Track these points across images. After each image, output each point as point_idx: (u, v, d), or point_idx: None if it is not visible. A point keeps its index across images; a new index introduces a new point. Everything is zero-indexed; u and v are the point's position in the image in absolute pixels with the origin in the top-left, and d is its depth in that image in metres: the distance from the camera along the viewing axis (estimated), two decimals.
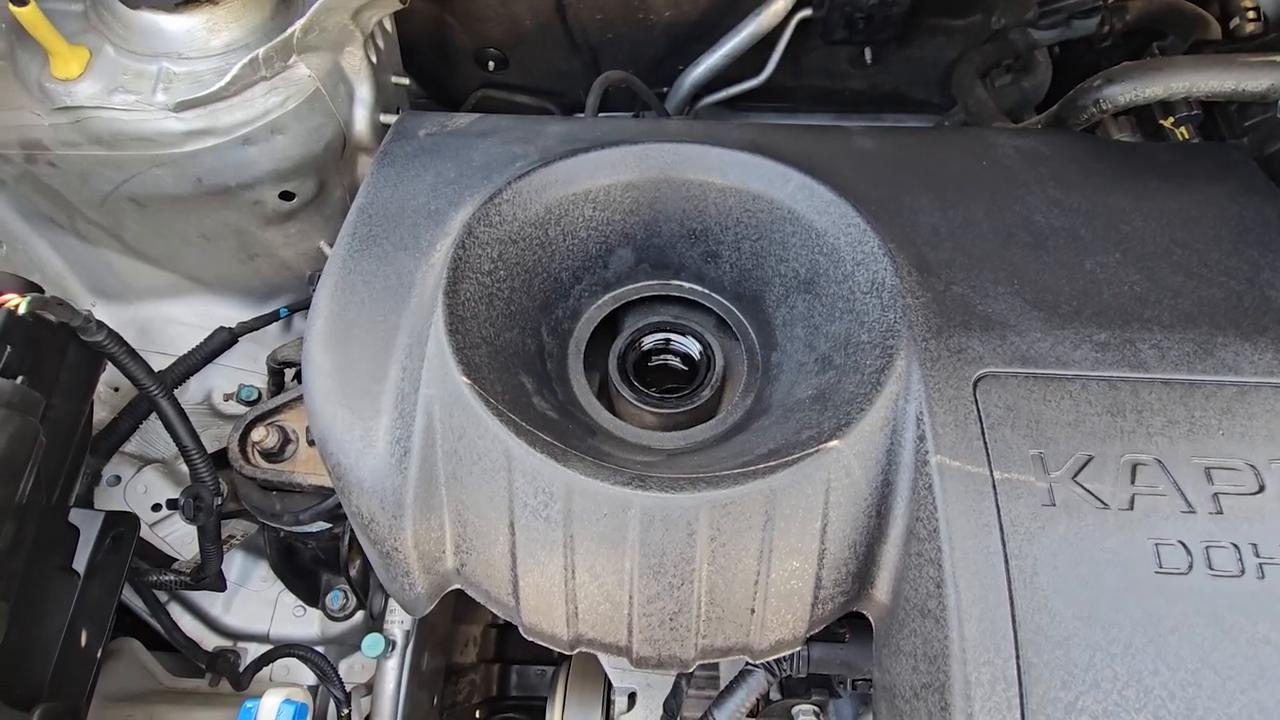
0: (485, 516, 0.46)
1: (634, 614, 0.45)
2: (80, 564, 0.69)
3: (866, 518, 0.46)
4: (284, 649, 0.93)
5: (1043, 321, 0.51)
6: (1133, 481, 0.44)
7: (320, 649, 1.05)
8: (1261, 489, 0.44)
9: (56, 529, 0.67)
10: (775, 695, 0.68)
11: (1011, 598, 0.41)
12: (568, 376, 0.64)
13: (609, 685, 0.84)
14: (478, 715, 1.38)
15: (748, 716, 0.71)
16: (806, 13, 1.14)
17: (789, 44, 1.24)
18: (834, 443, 0.45)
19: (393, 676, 0.97)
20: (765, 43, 1.20)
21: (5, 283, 0.64)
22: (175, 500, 0.93)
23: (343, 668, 1.09)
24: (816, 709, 0.63)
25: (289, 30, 0.82)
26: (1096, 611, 0.41)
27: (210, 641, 1.01)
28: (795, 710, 0.64)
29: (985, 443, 0.45)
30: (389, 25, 0.98)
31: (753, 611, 0.45)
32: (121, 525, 0.73)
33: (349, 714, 0.88)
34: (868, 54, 1.32)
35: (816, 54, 1.32)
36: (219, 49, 0.83)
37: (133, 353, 0.72)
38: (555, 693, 0.89)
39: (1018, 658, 0.40)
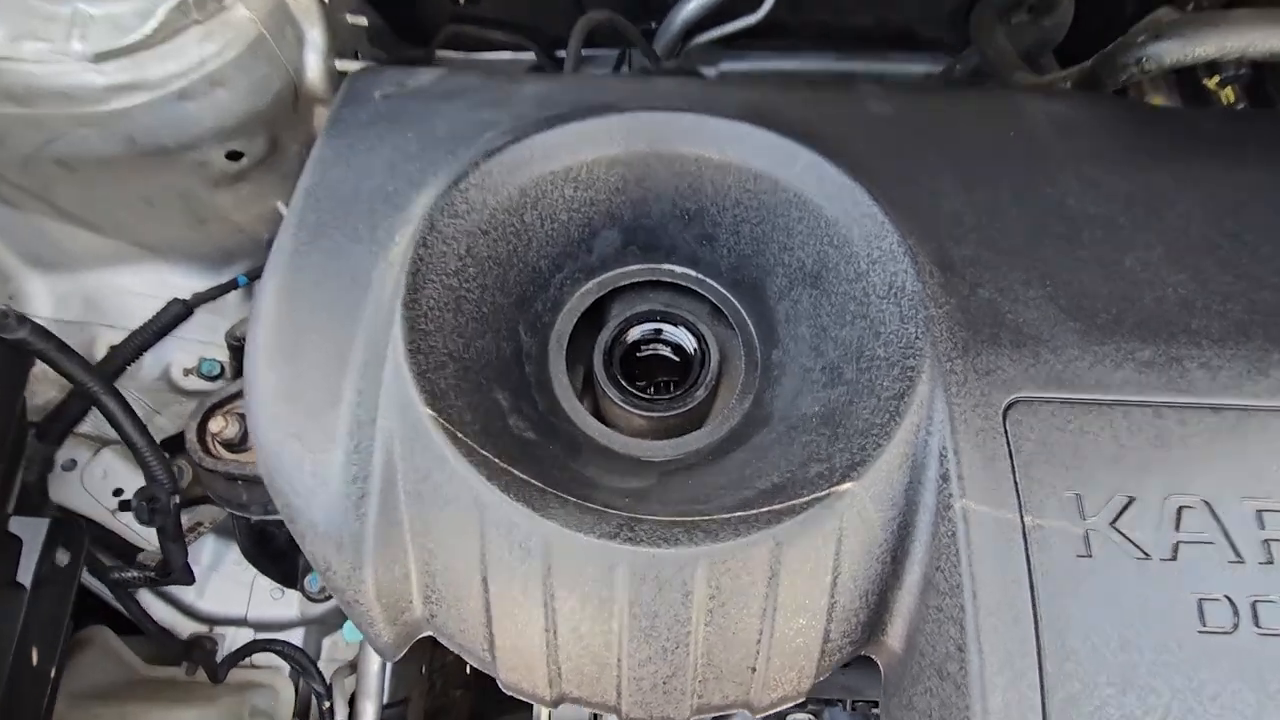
0: (455, 568, 0.41)
1: (623, 677, 0.41)
2: (26, 576, 0.64)
3: (880, 564, 0.42)
4: (261, 643, 0.90)
5: (1080, 334, 0.45)
6: (1177, 527, 0.40)
7: (301, 630, 1.03)
8: None
9: None
10: None
11: (1041, 664, 0.37)
12: (549, 378, 0.58)
13: None
14: (468, 670, 1.39)
15: None
16: None
17: None
18: (847, 485, 0.40)
19: (376, 656, 0.96)
20: None
21: None
22: (128, 501, 0.87)
23: (325, 645, 1.07)
24: (812, 716, 0.61)
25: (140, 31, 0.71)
26: (1134, 677, 0.37)
27: (185, 627, 0.99)
28: (791, 719, 0.62)
29: (1016, 483, 0.40)
30: None
31: (753, 670, 0.41)
32: (70, 532, 0.68)
33: (330, 706, 0.86)
34: None
35: None
36: None
37: (63, 347, 0.65)
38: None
39: None
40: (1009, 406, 0.42)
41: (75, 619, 0.73)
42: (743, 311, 0.62)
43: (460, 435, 0.41)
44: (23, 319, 0.60)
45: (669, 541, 0.39)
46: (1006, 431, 0.41)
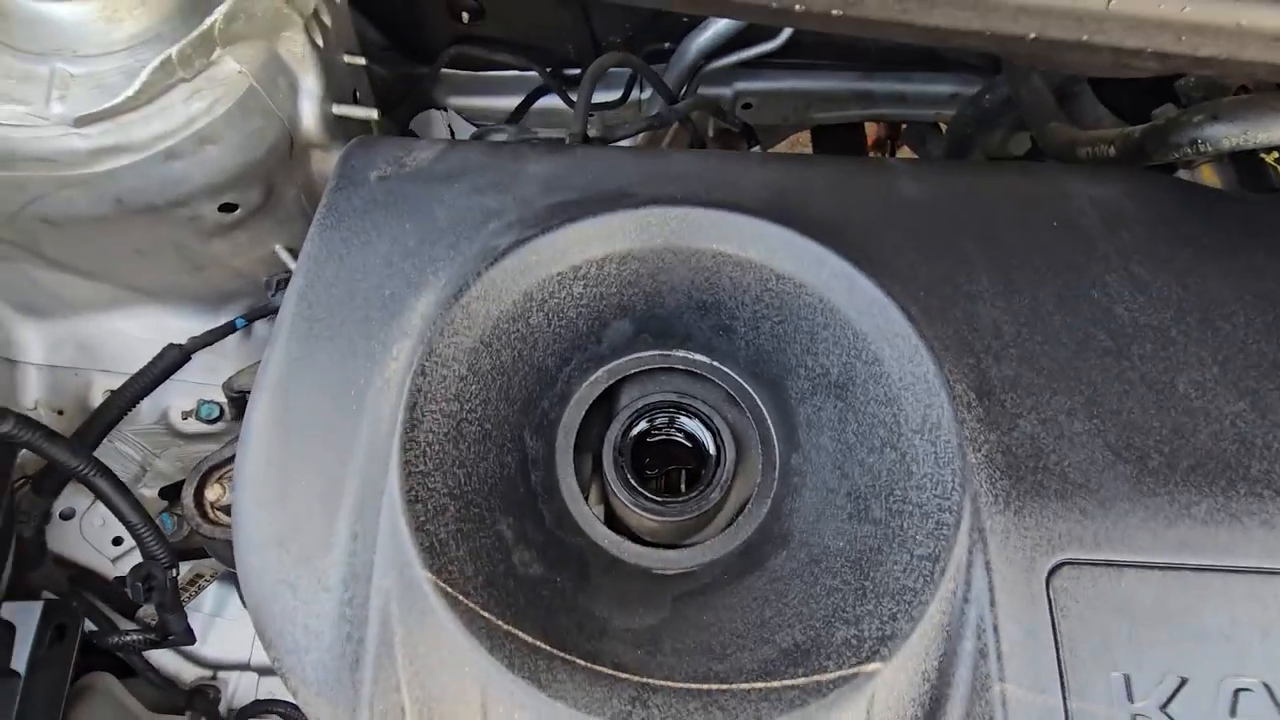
0: None
1: None
2: (20, 663, 0.62)
3: None
4: (265, 704, 0.89)
5: (1131, 483, 0.42)
6: (1233, 713, 0.37)
7: None
8: None
9: None
10: None
11: None
12: (556, 483, 0.55)
13: None
14: None
15: None
16: None
17: None
18: (877, 665, 0.38)
19: None
20: None
21: None
22: (123, 578, 0.86)
23: None
24: None
25: (208, 21, 0.67)
26: None
27: (190, 673, 0.98)
28: None
29: (1060, 661, 0.37)
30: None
31: None
32: (63, 615, 0.66)
33: None
34: None
35: None
36: (123, 43, 0.68)
37: (51, 435, 0.62)
38: None
39: None
40: (1053, 570, 0.39)
41: (77, 664, 0.71)
42: (760, 404, 0.59)
43: (461, 599, 0.38)
44: (5, 413, 0.58)
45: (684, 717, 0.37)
46: (1051, 601, 0.38)
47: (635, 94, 1.20)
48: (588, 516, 0.55)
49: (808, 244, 0.50)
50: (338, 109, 0.82)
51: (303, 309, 0.50)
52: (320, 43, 0.78)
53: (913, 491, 0.43)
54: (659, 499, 0.56)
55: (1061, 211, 0.57)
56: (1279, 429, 0.45)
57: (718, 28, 1.06)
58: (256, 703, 0.88)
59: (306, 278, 0.52)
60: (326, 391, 0.47)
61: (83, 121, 0.66)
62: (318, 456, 0.45)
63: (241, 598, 0.94)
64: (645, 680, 0.39)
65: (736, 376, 0.60)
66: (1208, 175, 0.68)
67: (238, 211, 0.81)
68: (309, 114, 0.80)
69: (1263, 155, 0.64)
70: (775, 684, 0.38)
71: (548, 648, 0.39)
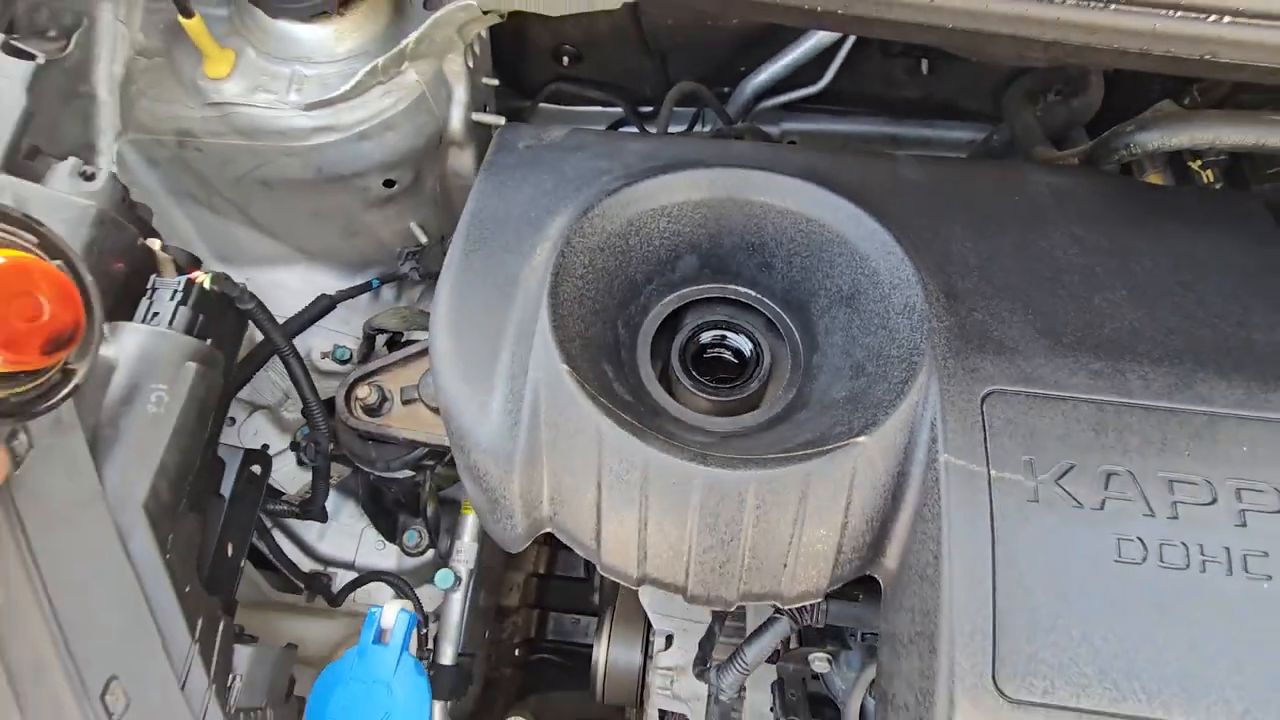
0: (577, 477, 0.58)
1: (691, 561, 0.57)
2: (226, 490, 0.84)
3: (883, 500, 0.57)
4: (376, 574, 1.08)
5: (1047, 349, 0.60)
6: (1105, 487, 0.54)
7: None
8: (1214, 501, 0.53)
9: (209, 461, 0.82)
10: (795, 645, 0.80)
11: (994, 570, 0.52)
12: (636, 365, 0.76)
13: (649, 627, 0.97)
14: (516, 653, 1.54)
15: (770, 662, 0.83)
16: None
17: (851, 54, 1.30)
18: (861, 438, 0.56)
19: (457, 607, 1.13)
20: (825, 52, 1.27)
21: (181, 258, 0.78)
22: (297, 443, 1.08)
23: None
24: (829, 656, 0.75)
25: (404, 42, 0.93)
26: (1062, 587, 0.51)
27: (305, 565, 1.18)
28: (812, 657, 0.76)
29: (986, 447, 0.55)
30: (484, 34, 1.09)
31: (785, 566, 0.57)
32: (258, 460, 0.88)
33: (427, 633, 1.03)
34: (924, 65, 1.37)
35: (874, 63, 1.37)
36: (343, 55, 0.95)
37: (273, 320, 0.86)
38: (602, 631, 1.02)
39: (994, 617, 0.51)
40: (986, 395, 0.58)
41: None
42: (791, 325, 0.79)
43: (585, 386, 0.59)
44: (252, 295, 0.82)
45: (731, 466, 0.56)
46: (983, 412, 0.57)
47: (698, 128, 1.45)
48: (659, 390, 0.75)
49: (828, 195, 0.71)
50: (476, 116, 1.08)
51: (474, 223, 0.73)
52: (471, 65, 1.05)
53: (894, 350, 0.62)
54: (713, 383, 0.75)
55: (1024, 191, 0.77)
56: (1163, 329, 0.62)
57: (771, 72, 1.30)
58: (371, 573, 1.08)
59: (475, 204, 0.75)
60: (491, 270, 0.69)
61: (311, 107, 0.92)
62: (486, 309, 0.66)
63: (359, 501, 1.16)
64: (704, 451, 0.58)
65: (773, 304, 0.80)
66: (1153, 179, 0.87)
67: (394, 188, 1.07)
68: (456, 117, 1.06)
69: (1189, 163, 0.83)
70: (792, 454, 0.57)
71: (639, 425, 0.59)
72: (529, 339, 0.63)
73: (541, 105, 1.48)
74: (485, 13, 0.95)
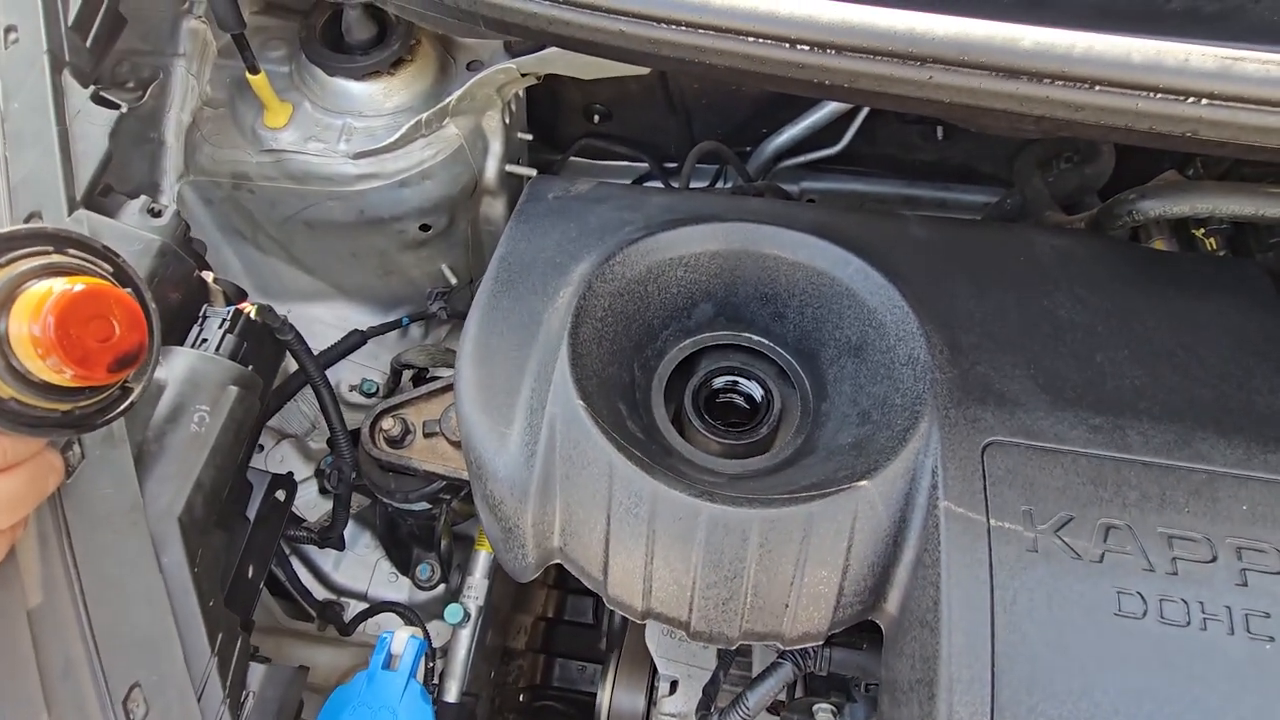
0: (588, 509, 0.61)
1: (695, 596, 0.58)
2: (250, 513, 0.87)
3: (884, 544, 0.58)
4: (388, 605, 1.10)
5: (1048, 403, 0.62)
6: (1105, 540, 0.55)
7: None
8: (1214, 559, 0.54)
9: (239, 483, 0.86)
10: (800, 694, 0.80)
11: (993, 619, 0.52)
12: (650, 406, 0.78)
13: (654, 672, 0.97)
14: (521, 698, 1.52)
15: (774, 713, 0.83)
16: None
17: (868, 118, 1.36)
18: (863, 482, 0.58)
19: (464, 644, 1.13)
20: (842, 116, 1.33)
21: (230, 290, 0.84)
22: (322, 470, 1.12)
23: None
24: (834, 708, 0.75)
25: (447, 100, 1.01)
26: (1061, 638, 0.52)
27: (320, 593, 1.20)
28: (816, 708, 0.75)
29: (986, 496, 0.56)
30: (521, 93, 1.17)
31: (787, 606, 0.58)
32: (283, 486, 0.91)
33: (433, 667, 1.04)
34: (939, 131, 1.43)
35: (892, 128, 1.43)
36: (390, 110, 1.03)
37: (309, 351, 0.91)
38: (606, 676, 1.02)
39: (993, 665, 0.51)
40: (986, 445, 0.59)
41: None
42: (802, 373, 0.81)
43: (599, 421, 0.62)
44: (290, 326, 0.87)
45: (737, 504, 0.58)
46: (983, 462, 0.58)
47: (720, 184, 1.51)
48: (671, 431, 0.78)
49: (838, 250, 0.75)
50: (509, 168, 1.14)
51: (503, 266, 0.78)
52: (507, 121, 1.12)
53: (898, 398, 0.64)
54: (724, 427, 0.78)
55: (1028, 252, 0.79)
56: (1164, 388, 0.64)
57: (791, 134, 1.37)
58: (382, 604, 1.09)
59: (505, 249, 0.80)
60: (517, 310, 0.73)
61: (358, 155, 0.99)
62: (510, 346, 0.70)
63: (375, 532, 1.18)
64: (711, 490, 0.60)
65: (785, 353, 0.83)
66: (1158, 245, 0.90)
67: (430, 231, 1.13)
68: (491, 169, 1.12)
69: (1194, 231, 0.86)
70: (796, 494, 0.59)
71: (650, 461, 0.61)
72: (549, 376, 0.66)
73: (572, 159, 1.56)
74: (523, 75, 1.03)
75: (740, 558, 0.57)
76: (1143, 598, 0.53)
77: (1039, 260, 0.78)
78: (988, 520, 0.55)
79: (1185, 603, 0.52)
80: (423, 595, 1.23)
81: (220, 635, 0.61)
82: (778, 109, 1.42)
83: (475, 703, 1.16)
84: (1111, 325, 0.70)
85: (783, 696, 0.80)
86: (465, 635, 1.14)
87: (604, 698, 0.97)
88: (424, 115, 0.99)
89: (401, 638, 0.70)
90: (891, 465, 0.58)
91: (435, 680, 1.04)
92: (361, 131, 1.02)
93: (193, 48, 1.04)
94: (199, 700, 0.56)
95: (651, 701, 0.94)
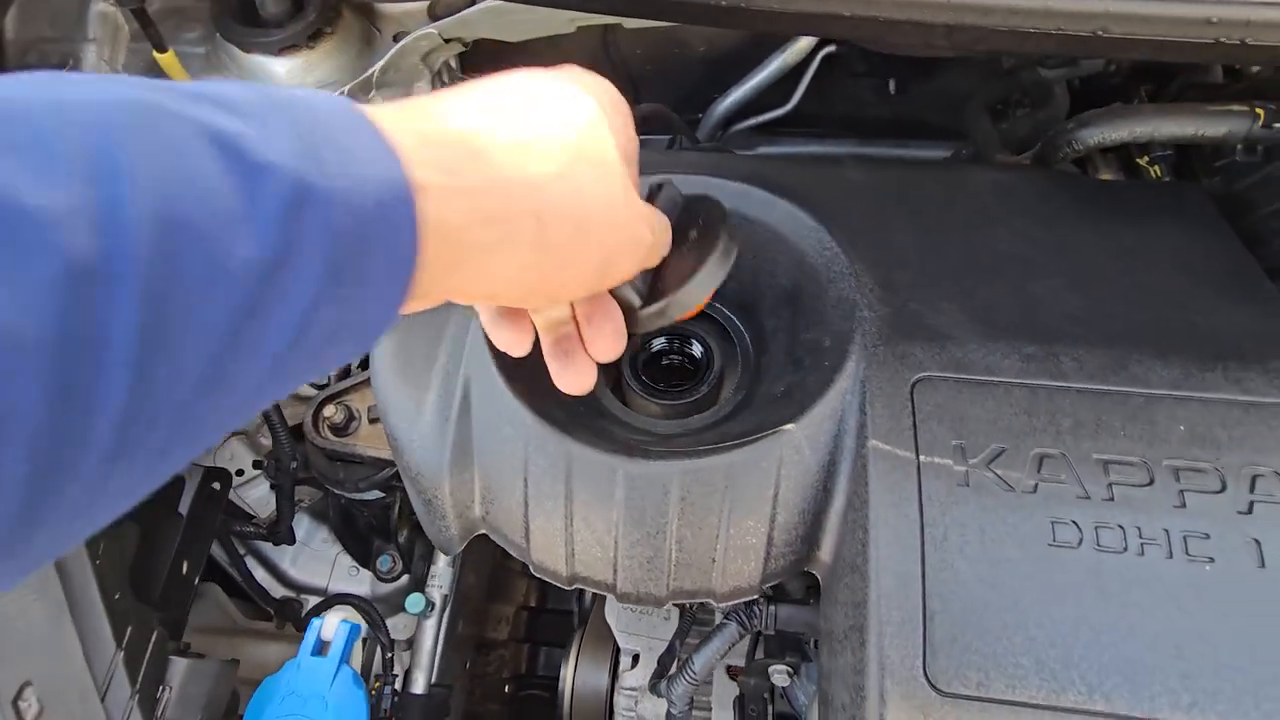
0: (505, 474, 0.58)
1: (618, 557, 0.56)
2: (184, 508, 0.84)
3: (814, 490, 0.56)
4: (340, 597, 1.07)
5: (981, 335, 0.59)
6: (1038, 470, 0.52)
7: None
8: (1151, 482, 0.51)
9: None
10: (758, 657, 0.78)
11: (923, 558, 0.50)
12: None
13: (617, 649, 0.95)
14: (506, 689, 1.50)
15: (734, 677, 0.81)
16: (830, 48, 1.23)
17: (815, 76, 1.33)
18: (788, 426, 0.55)
19: (430, 634, 1.11)
20: (792, 74, 1.30)
21: None
22: (260, 461, 1.09)
23: (390, 625, 1.23)
24: (790, 669, 0.73)
25: (369, 70, 0.97)
26: (995, 573, 0.49)
27: (277, 591, 1.17)
28: (772, 670, 0.73)
29: (915, 433, 0.54)
30: (454, 63, 1.13)
31: (714, 560, 0.55)
32: (217, 479, 0.88)
33: (392, 657, 1.01)
34: (891, 85, 1.40)
35: (844, 84, 1.40)
36: (312, 84, 0.99)
37: None
38: (569, 654, 1.00)
39: (924, 606, 0.49)
40: (916, 381, 0.57)
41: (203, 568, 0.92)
42: (742, 328, 0.79)
43: (511, 381, 0.59)
44: None
45: (656, 458, 0.55)
46: (913, 398, 0.56)
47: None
48: (608, 396, 0.75)
49: (766, 194, 0.72)
50: None
51: None
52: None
53: (828, 341, 0.62)
54: (661, 388, 0.75)
55: (967, 189, 0.77)
56: (1100, 314, 0.62)
57: (737, 95, 1.33)
58: (336, 595, 1.06)
59: None
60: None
61: None
62: (426, 312, 0.67)
63: (331, 521, 1.15)
64: (628, 445, 0.57)
65: (724, 308, 0.80)
66: (1105, 177, 0.87)
67: None
68: None
69: (1138, 160, 0.84)
70: (718, 444, 0.56)
71: (566, 419, 0.58)
72: (464, 339, 0.63)
73: None
74: (447, 41, 0.99)
75: (662, 513, 0.55)
76: (1078, 526, 0.51)
77: (978, 197, 0.76)
78: (917, 457, 0.53)
79: (1122, 528, 0.50)
80: (386, 587, 1.20)
81: (130, 630, 0.58)
82: (725, 71, 1.38)
83: (448, 694, 1.14)
84: (1050, 256, 0.68)
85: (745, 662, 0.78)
86: (430, 625, 1.11)
87: (567, 675, 0.94)
88: (346, 88, 0.95)
89: (332, 623, 0.67)
90: (817, 407, 0.56)
91: (395, 671, 1.02)
92: None
93: (104, 32, 1.00)
94: (103, 698, 0.53)
95: (615, 677, 0.92)
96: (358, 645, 1.15)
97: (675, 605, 0.86)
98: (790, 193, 0.74)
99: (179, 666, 0.62)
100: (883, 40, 0.69)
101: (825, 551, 0.56)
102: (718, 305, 0.82)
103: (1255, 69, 0.88)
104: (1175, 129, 0.73)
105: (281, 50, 0.97)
